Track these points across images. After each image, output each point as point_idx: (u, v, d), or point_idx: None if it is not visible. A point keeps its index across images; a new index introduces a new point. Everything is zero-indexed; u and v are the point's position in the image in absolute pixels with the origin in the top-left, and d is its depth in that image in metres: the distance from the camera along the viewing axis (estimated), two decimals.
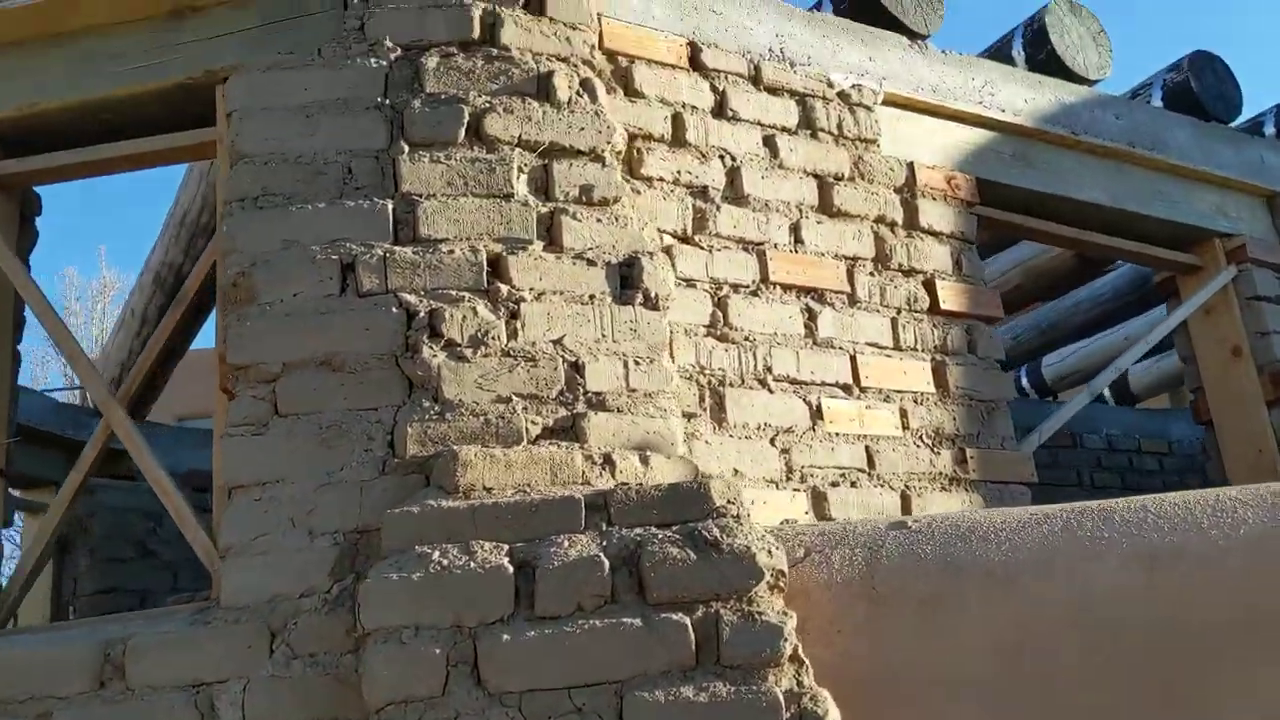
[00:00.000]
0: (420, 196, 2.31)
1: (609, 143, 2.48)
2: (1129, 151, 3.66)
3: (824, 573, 2.04)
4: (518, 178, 2.37)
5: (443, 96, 2.40)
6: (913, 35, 3.33)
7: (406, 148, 2.35)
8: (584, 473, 2.10)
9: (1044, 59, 3.68)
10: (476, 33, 2.48)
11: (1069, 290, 5.50)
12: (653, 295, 2.38)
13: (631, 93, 2.72)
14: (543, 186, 2.40)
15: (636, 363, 2.31)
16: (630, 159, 2.66)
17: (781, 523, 2.28)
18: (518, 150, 2.40)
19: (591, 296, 2.33)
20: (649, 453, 2.20)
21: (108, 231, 30.73)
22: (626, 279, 2.38)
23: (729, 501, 1.95)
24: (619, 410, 2.25)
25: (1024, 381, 7.55)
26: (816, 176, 2.95)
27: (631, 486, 1.96)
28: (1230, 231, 3.88)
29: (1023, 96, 3.47)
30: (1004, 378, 3.04)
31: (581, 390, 2.23)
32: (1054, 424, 3.31)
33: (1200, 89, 4.03)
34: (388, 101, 2.39)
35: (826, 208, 2.93)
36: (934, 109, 3.26)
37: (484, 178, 2.35)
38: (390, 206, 2.29)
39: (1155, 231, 3.78)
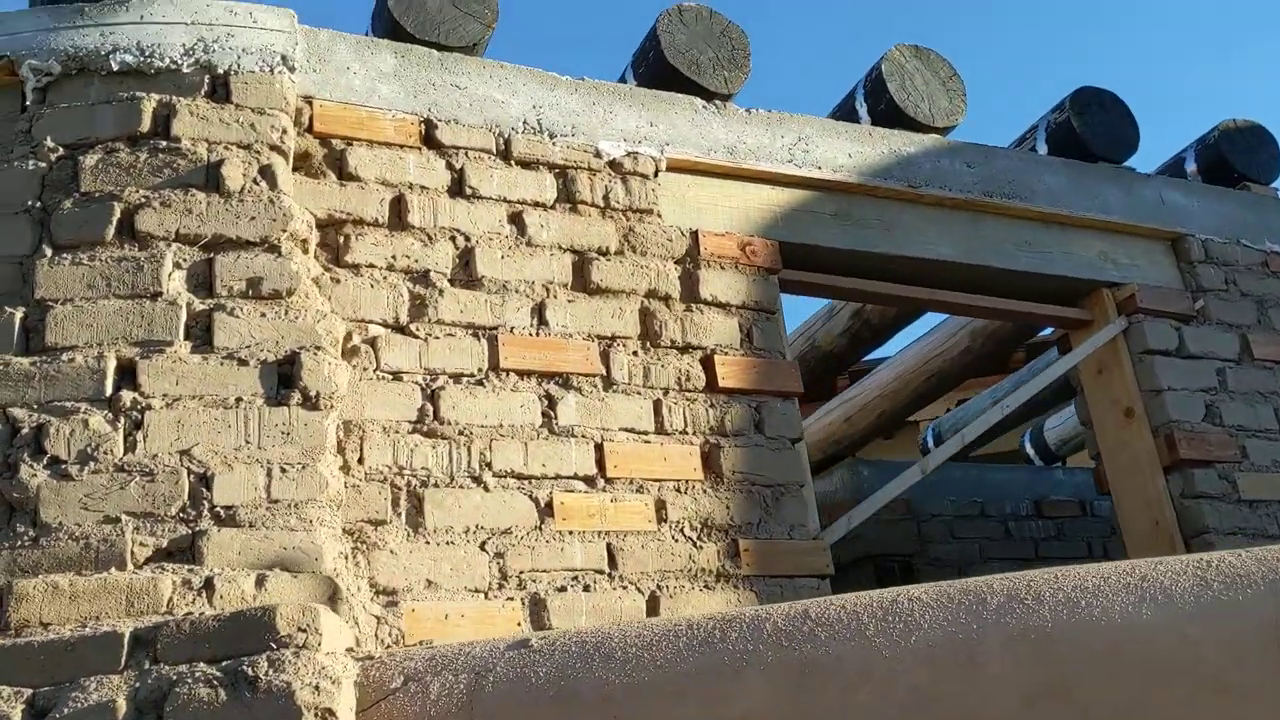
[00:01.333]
0: (55, 302, 2.17)
1: (284, 230, 2.31)
2: (984, 202, 3.36)
3: (418, 704, 1.78)
4: (170, 275, 2.22)
5: (96, 195, 2.27)
6: (709, 95, 3.11)
7: (50, 251, 2.22)
8: (170, 600, 1.89)
9: (884, 109, 3.42)
10: (146, 126, 2.36)
11: (1015, 350, 5.13)
12: (313, 394, 2.18)
13: (346, 176, 2.57)
14: (205, 282, 2.25)
15: (284, 470, 2.11)
16: (336, 245, 2.49)
17: (417, 643, 2.03)
18: (175, 245, 2.25)
19: (238, 399, 2.15)
20: (271, 573, 1.98)
21: None
22: (286, 377, 2.19)
23: (299, 629, 1.72)
24: (252, 525, 2.04)
25: (1027, 447, 7.15)
26: (576, 252, 2.73)
27: (188, 618, 1.75)
28: (1119, 280, 3.52)
29: (846, 151, 3.22)
30: (797, 458, 2.75)
31: (208, 505, 2.03)
32: (873, 505, 2.98)
33: (1083, 127, 3.71)
34: (40, 204, 2.27)
35: (584, 285, 2.71)
36: (731, 171, 3.03)
37: (129, 277, 2.20)
38: (19, 316, 2.15)
39: (1027, 285, 3.45)
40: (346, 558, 2.18)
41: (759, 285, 2.92)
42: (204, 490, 2.04)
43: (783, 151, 3.12)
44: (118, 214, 2.25)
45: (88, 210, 2.25)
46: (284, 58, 2.51)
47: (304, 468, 2.12)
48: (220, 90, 2.44)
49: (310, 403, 2.18)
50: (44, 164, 2.32)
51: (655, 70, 3.13)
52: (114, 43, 2.43)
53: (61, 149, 2.33)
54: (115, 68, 2.42)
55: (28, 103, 2.41)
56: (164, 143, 2.35)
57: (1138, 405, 3.39)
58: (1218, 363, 3.50)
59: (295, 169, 2.53)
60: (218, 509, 2.04)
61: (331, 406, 2.20)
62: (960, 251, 3.30)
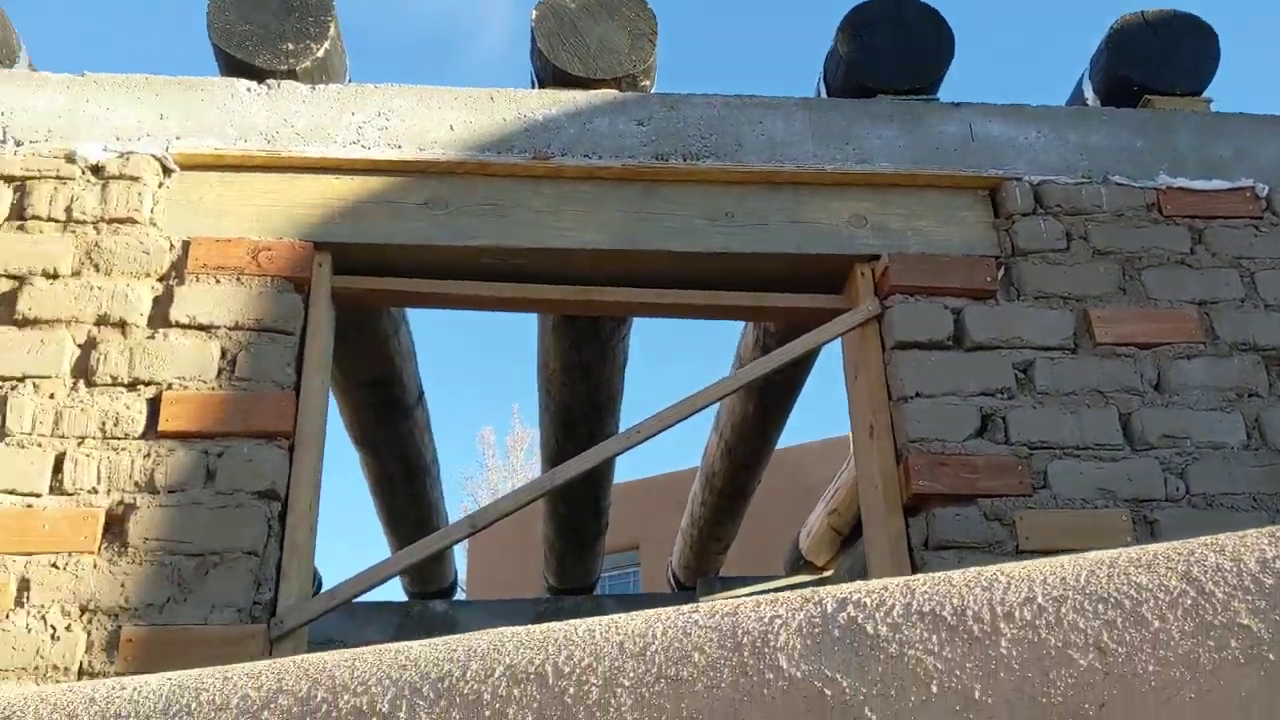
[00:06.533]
0: None
1: None
2: (656, 167, 2.57)
3: None
4: None
5: None
6: (263, 75, 2.57)
7: None
8: None
9: (540, 67, 2.72)
10: None
11: None
12: None
13: None
14: None
15: None
16: None
17: None
18: None
19: None
20: None
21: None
22: None
23: None
24: None
25: None
26: (13, 277, 2.29)
27: None
28: (878, 251, 2.59)
29: (448, 123, 2.55)
30: (253, 516, 2.12)
31: None
32: (377, 574, 2.25)
33: (854, 54, 2.80)
34: None
35: (9, 315, 2.25)
36: (268, 163, 2.47)
37: None
38: None
39: (738, 270, 2.60)
40: None
41: (267, 300, 2.33)
42: None
43: (348, 132, 2.51)
44: None
45: None
46: None
47: None
48: None
49: None
50: None
51: (216, 56, 2.63)
52: None
53: None
54: None
55: None
56: None
57: (880, 420, 2.45)
58: (1025, 353, 2.48)
59: None
60: None
61: None
62: (616, 236, 2.53)
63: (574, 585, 6.59)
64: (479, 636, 1.00)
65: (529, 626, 0.99)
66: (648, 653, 0.91)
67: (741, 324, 3.89)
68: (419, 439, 4.27)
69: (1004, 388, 2.43)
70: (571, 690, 0.90)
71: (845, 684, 0.82)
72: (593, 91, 2.65)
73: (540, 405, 4.28)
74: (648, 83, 2.76)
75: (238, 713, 1.01)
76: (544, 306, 2.63)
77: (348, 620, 5.43)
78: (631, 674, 0.90)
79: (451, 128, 2.55)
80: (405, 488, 4.63)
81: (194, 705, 1.04)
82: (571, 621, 0.98)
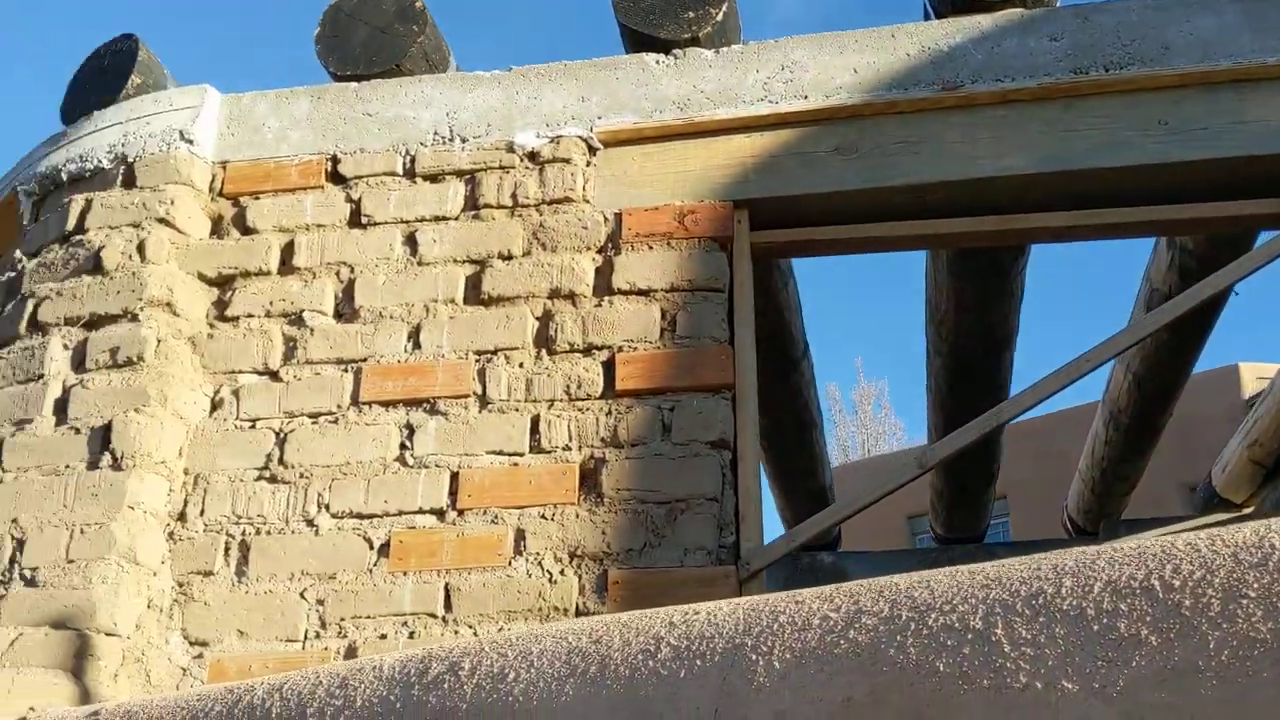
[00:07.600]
0: None
1: (140, 299, 2.46)
2: (1075, 82, 2.45)
3: None
4: (54, 356, 2.48)
5: (23, 295, 2.61)
6: (669, 47, 2.67)
7: None
8: None
9: None
10: (72, 225, 2.65)
11: None
12: (119, 455, 2.29)
13: (246, 230, 2.64)
14: (82, 358, 2.47)
15: (83, 530, 2.24)
16: (224, 301, 2.58)
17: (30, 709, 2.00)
18: (64, 329, 2.51)
19: (68, 466, 2.33)
20: (28, 631, 2.12)
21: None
22: (106, 441, 2.33)
23: None
24: (47, 584, 2.20)
25: None
26: (475, 262, 2.52)
27: None
28: None
29: (850, 67, 2.55)
30: (709, 465, 2.23)
31: (18, 568, 2.24)
32: (833, 514, 2.26)
33: None
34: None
35: (476, 296, 2.48)
36: (682, 130, 2.57)
37: (25, 364, 2.50)
38: None
39: (1176, 181, 2.43)
40: (161, 610, 2.25)
41: (696, 261, 2.44)
42: (18, 554, 2.25)
43: (754, 89, 2.57)
44: (29, 309, 2.57)
45: (15, 309, 2.60)
46: (181, 133, 2.67)
47: (101, 527, 2.23)
48: (128, 177, 2.67)
49: (117, 464, 2.29)
50: (11, 273, 2.72)
51: (622, 34, 2.76)
52: (65, 156, 2.78)
53: (27, 258, 2.72)
54: (65, 179, 2.76)
55: (24, 221, 2.85)
56: (79, 237, 2.63)
57: None
58: None
59: (212, 234, 2.67)
60: (24, 570, 2.23)
61: (134, 465, 2.28)
62: (1037, 159, 2.43)
63: (962, 535, 6.45)
64: (1061, 555, 1.00)
65: (1115, 543, 0.98)
66: (1269, 563, 0.87)
67: (1151, 243, 3.65)
68: (805, 392, 4.32)
69: None
70: (1188, 603, 0.88)
71: None
72: (998, 13, 2.56)
73: (929, 348, 4.20)
74: None
75: (821, 632, 1.07)
76: (963, 240, 2.58)
77: None
78: (1256, 585, 0.87)
79: (855, 70, 2.55)
80: (796, 438, 4.69)
81: (774, 626, 1.11)
82: (1164, 538, 0.96)
